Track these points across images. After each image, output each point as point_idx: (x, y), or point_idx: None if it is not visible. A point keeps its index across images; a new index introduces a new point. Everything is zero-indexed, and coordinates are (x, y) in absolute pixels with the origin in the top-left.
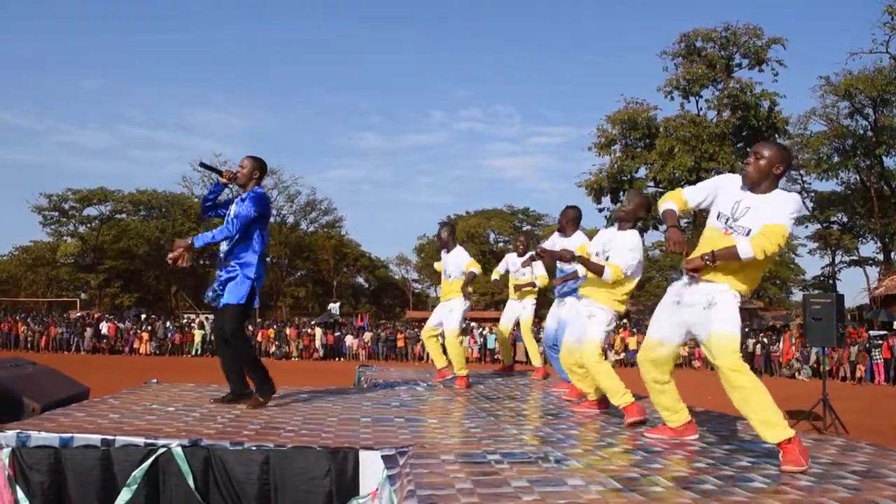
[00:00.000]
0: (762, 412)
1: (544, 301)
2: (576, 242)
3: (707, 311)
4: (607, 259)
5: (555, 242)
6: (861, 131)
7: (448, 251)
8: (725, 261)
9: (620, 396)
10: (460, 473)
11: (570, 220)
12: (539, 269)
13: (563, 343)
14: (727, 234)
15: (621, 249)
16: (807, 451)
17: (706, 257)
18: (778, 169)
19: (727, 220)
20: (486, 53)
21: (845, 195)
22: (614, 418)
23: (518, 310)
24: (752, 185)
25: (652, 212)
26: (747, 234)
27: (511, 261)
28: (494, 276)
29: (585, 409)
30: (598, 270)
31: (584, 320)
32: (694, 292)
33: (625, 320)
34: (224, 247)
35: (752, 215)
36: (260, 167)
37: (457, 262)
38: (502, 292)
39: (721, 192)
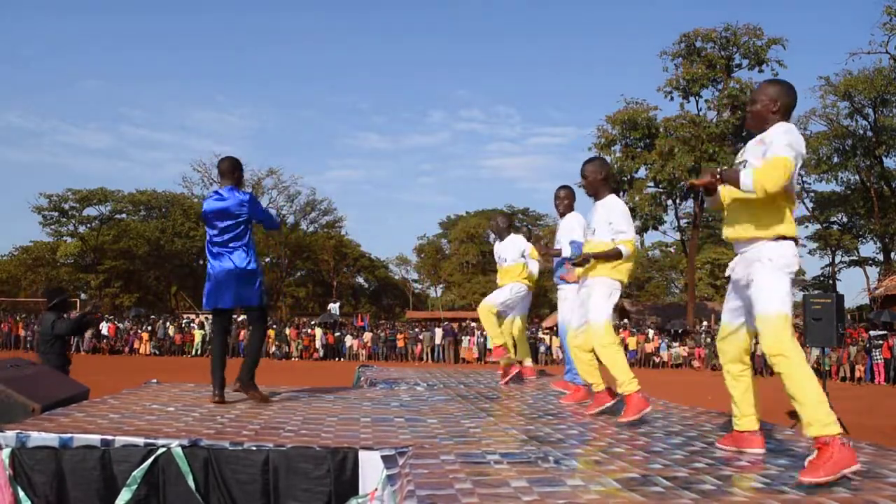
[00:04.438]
0: (804, 403)
1: (543, 302)
2: (569, 223)
3: (751, 288)
4: (594, 232)
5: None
6: (861, 131)
7: (501, 240)
8: (732, 183)
9: (626, 385)
10: (460, 473)
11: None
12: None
13: (570, 328)
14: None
15: (613, 216)
16: (844, 458)
17: (715, 173)
18: (775, 106)
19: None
20: (487, 54)
21: (845, 195)
22: (614, 418)
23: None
24: (756, 132)
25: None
26: None
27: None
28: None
29: (595, 407)
30: (614, 255)
31: (586, 300)
32: (740, 264)
33: (625, 320)
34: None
35: (748, 157)
36: None
37: (511, 249)
38: None
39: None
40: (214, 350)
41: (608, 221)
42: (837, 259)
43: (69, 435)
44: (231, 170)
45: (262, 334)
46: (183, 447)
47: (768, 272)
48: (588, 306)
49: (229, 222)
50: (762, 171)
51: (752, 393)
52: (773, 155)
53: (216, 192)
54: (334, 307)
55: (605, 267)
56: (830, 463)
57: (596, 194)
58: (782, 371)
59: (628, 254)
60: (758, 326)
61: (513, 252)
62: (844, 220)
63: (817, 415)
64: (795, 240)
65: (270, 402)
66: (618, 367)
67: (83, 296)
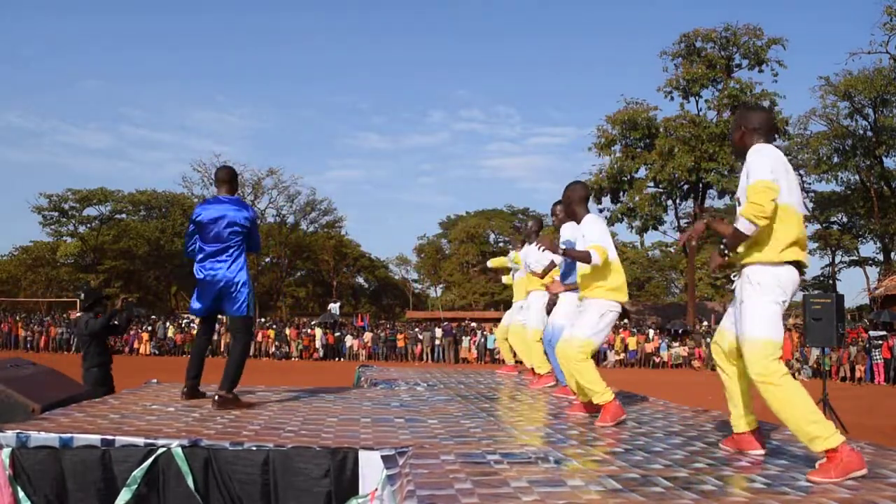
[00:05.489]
0: (795, 422)
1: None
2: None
3: (740, 308)
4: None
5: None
6: (861, 131)
7: (529, 244)
8: (737, 241)
9: (600, 395)
10: (460, 473)
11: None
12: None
13: (560, 338)
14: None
15: (588, 232)
16: (852, 462)
17: (720, 248)
18: (747, 132)
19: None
20: (487, 54)
21: (845, 195)
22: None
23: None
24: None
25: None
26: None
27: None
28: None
29: (576, 411)
30: (584, 257)
31: (577, 316)
32: (737, 280)
33: (625, 320)
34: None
35: (741, 185)
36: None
37: (538, 256)
38: (502, 293)
39: None
40: (193, 352)
41: (584, 236)
42: (837, 259)
43: (69, 435)
44: (228, 178)
45: (244, 346)
46: (183, 447)
47: (755, 296)
48: (576, 321)
49: (229, 231)
50: (748, 207)
51: (749, 394)
52: (751, 182)
53: (224, 199)
54: (334, 307)
55: (601, 289)
56: (841, 466)
57: (575, 217)
58: (768, 397)
59: (597, 260)
60: (743, 348)
61: (535, 258)
62: (844, 220)
63: (818, 431)
64: (798, 263)
65: (255, 405)
66: (588, 382)
67: (83, 296)
